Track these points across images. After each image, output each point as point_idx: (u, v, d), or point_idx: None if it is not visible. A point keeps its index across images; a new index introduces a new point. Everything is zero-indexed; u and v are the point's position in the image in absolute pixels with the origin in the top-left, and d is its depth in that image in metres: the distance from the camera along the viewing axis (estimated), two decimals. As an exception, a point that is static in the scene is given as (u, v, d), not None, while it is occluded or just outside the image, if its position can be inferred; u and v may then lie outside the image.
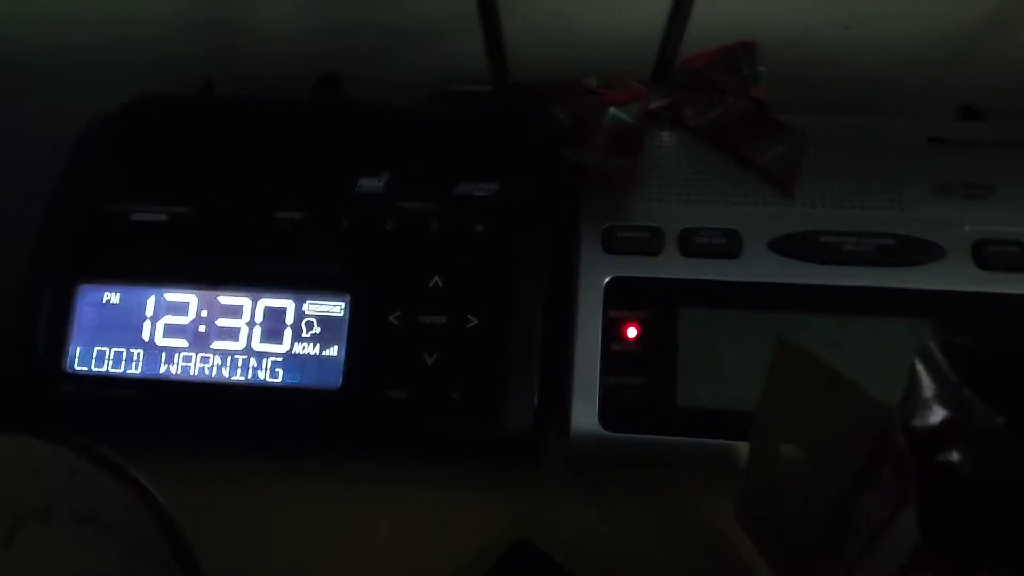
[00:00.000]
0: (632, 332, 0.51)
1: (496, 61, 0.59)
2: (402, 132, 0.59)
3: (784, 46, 0.62)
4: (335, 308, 0.53)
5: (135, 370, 0.54)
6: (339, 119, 0.60)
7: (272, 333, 0.54)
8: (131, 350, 0.54)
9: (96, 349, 0.54)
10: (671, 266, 0.52)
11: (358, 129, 0.59)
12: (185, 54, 0.69)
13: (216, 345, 0.54)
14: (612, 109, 0.56)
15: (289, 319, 0.54)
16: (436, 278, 0.53)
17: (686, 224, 0.53)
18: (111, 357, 0.54)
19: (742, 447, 0.50)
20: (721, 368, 0.51)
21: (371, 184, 0.56)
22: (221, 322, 0.54)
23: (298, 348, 0.53)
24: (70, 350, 0.54)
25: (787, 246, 0.52)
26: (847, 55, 0.66)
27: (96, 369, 0.54)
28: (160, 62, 0.68)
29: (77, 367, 0.54)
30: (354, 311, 0.53)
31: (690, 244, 0.52)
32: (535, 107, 0.59)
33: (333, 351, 0.53)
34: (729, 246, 0.52)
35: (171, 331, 0.54)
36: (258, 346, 0.53)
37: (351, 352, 0.53)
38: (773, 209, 0.53)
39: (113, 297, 0.55)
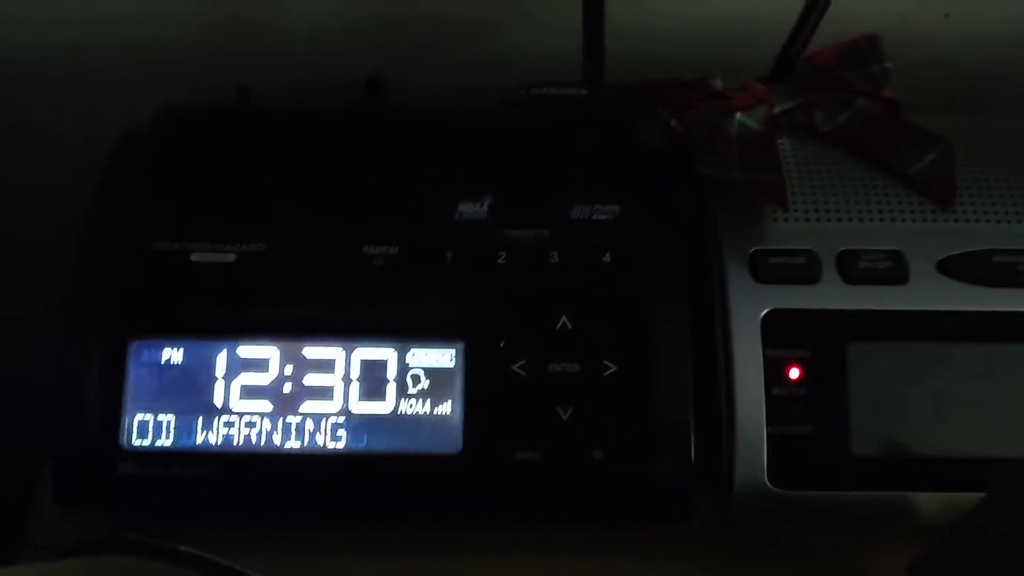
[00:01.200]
0: (795, 373, 0.45)
1: (594, 59, 0.52)
2: (495, 145, 0.51)
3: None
4: (444, 357, 0.46)
5: (208, 442, 0.45)
6: (415, 131, 0.51)
7: (372, 390, 0.45)
8: (201, 418, 0.45)
9: (157, 419, 0.45)
10: (833, 295, 0.46)
11: (442, 143, 0.51)
12: (209, 56, 0.60)
13: (305, 407, 0.45)
14: (739, 115, 0.49)
15: (391, 373, 0.45)
16: (563, 319, 0.46)
17: (843, 246, 0.47)
18: (176, 428, 0.45)
19: (923, 498, 0.45)
20: (896, 409, 0.45)
21: (472, 209, 0.48)
22: (309, 379, 0.45)
23: (404, 407, 0.45)
24: (126, 422, 0.45)
25: (958, 268, 0.46)
26: (949, 47, 0.61)
27: (159, 443, 0.45)
28: (183, 65, 0.60)
29: (136, 442, 0.45)
30: (469, 361, 0.45)
31: (852, 269, 0.46)
32: (642, 113, 0.52)
33: (447, 409, 0.45)
34: (895, 270, 0.46)
35: (249, 393, 0.45)
36: (356, 406, 0.45)
37: (469, 409, 0.45)
38: (936, 225, 0.47)
39: (174, 355, 0.46)
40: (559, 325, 0.46)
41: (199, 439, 0.45)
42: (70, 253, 0.50)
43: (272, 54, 0.61)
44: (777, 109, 0.51)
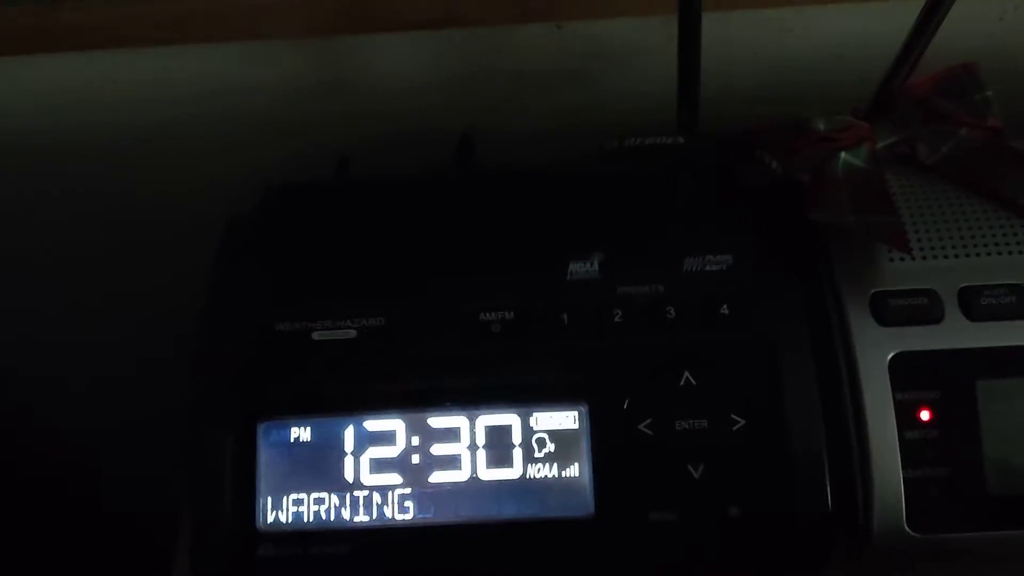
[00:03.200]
0: (926, 415, 0.44)
1: (689, 109, 0.52)
2: (597, 200, 0.51)
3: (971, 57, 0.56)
4: (568, 420, 0.46)
5: (342, 519, 0.45)
6: (517, 191, 0.52)
7: (499, 457, 0.46)
8: (334, 495, 0.46)
9: (291, 498, 0.45)
10: (958, 334, 0.45)
11: (545, 201, 0.51)
12: (300, 121, 0.61)
13: (435, 478, 0.45)
14: (843, 155, 0.49)
15: (516, 438, 0.46)
16: (686, 374, 0.46)
17: (963, 282, 0.46)
18: (311, 506, 0.45)
19: (1062, 533, 0.44)
20: (1030, 445, 0.44)
21: (583, 269, 0.48)
22: (436, 449, 0.46)
23: (532, 471, 0.45)
24: (260, 503, 0.45)
25: (1083, 297, 0.46)
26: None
27: (295, 523, 0.45)
28: (276, 132, 0.61)
29: (270, 523, 0.45)
30: (593, 422, 0.45)
31: (974, 306, 0.45)
32: (741, 159, 0.52)
33: (575, 471, 0.45)
34: (1019, 305, 0.45)
35: (378, 466, 0.46)
36: (484, 473, 0.45)
37: (598, 471, 0.45)
38: (1055, 255, 0.47)
39: (302, 433, 0.46)
40: (682, 381, 0.45)
41: (333, 516, 0.45)
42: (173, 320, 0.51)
43: (362, 115, 0.61)
44: (880, 145, 0.51)
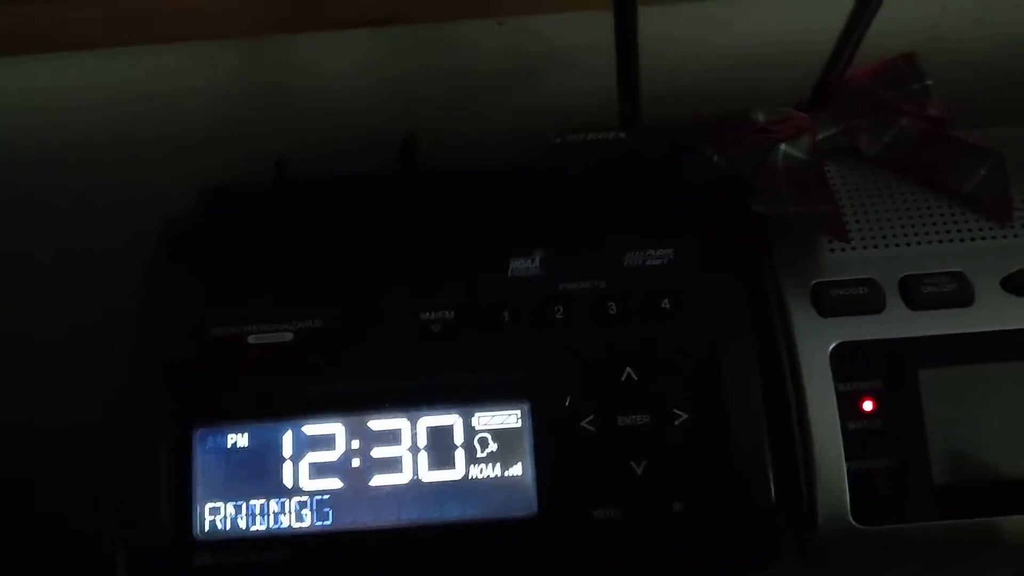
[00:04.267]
0: (868, 405, 0.44)
1: (630, 101, 0.51)
2: (538, 197, 0.50)
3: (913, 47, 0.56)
4: (511, 419, 0.45)
5: (281, 525, 0.44)
6: (456, 189, 0.51)
7: (441, 458, 0.45)
8: (273, 500, 0.45)
9: (229, 506, 0.45)
10: (900, 323, 0.45)
11: (485, 199, 0.50)
12: (237, 125, 0.60)
13: (376, 481, 0.45)
14: (783, 146, 0.49)
15: (458, 438, 0.45)
16: (628, 370, 0.45)
17: (904, 271, 0.46)
18: (249, 513, 0.44)
19: (1008, 522, 0.44)
20: (974, 434, 0.44)
21: (524, 265, 0.47)
22: (377, 452, 0.45)
23: (475, 472, 0.45)
24: (197, 511, 0.44)
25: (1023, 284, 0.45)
26: (979, 54, 0.60)
27: (233, 531, 0.44)
28: (211, 138, 0.59)
29: (208, 531, 0.44)
30: (536, 420, 0.45)
31: (915, 295, 0.45)
32: (683, 152, 0.51)
33: (517, 470, 0.45)
34: (960, 292, 0.45)
35: (318, 471, 0.45)
36: (427, 476, 0.45)
37: (541, 470, 0.44)
38: (996, 242, 0.47)
39: (239, 439, 0.45)
40: (624, 377, 0.45)
41: (272, 523, 0.44)
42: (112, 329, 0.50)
43: (302, 118, 0.61)
44: (820, 136, 0.50)
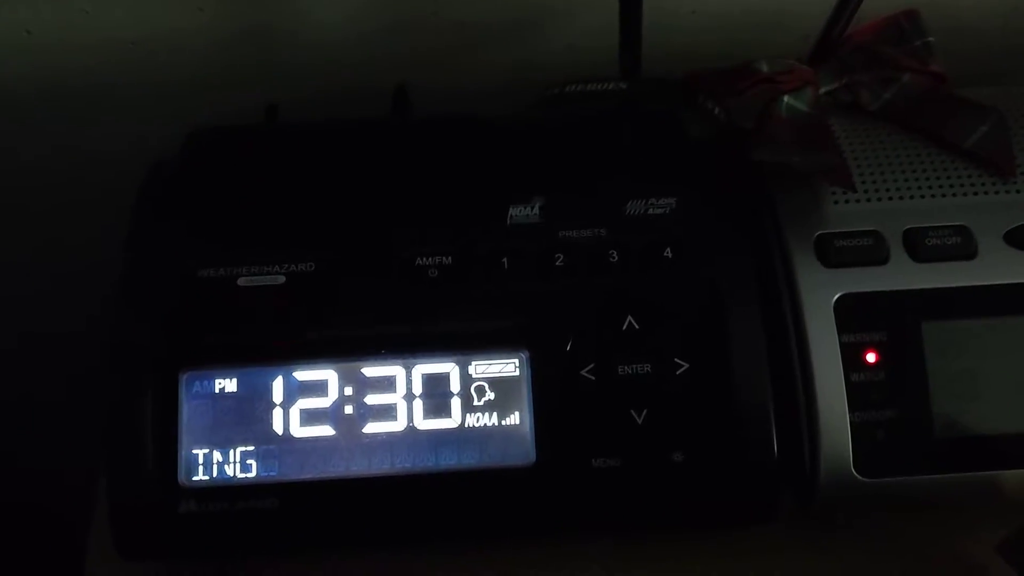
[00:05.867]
0: (871, 357, 0.44)
1: (631, 52, 0.50)
2: (538, 146, 0.49)
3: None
4: (509, 367, 0.44)
5: (270, 472, 0.43)
6: (454, 137, 0.50)
7: (436, 406, 0.44)
8: (262, 447, 0.43)
9: (215, 452, 0.43)
10: (904, 275, 0.44)
11: (484, 147, 0.49)
12: (228, 69, 0.58)
13: (369, 428, 0.43)
14: (786, 98, 0.48)
15: (454, 386, 0.44)
16: (629, 319, 0.44)
17: (908, 224, 0.45)
18: (236, 460, 0.43)
19: (1008, 476, 0.44)
20: (976, 388, 0.44)
21: (524, 213, 0.46)
22: (371, 399, 0.44)
23: (471, 420, 0.44)
24: (183, 457, 0.43)
25: (1026, 238, 0.45)
26: (976, 19, 0.60)
27: (219, 478, 0.43)
28: (200, 81, 0.58)
29: (194, 478, 0.43)
30: (535, 369, 0.44)
31: (919, 247, 0.45)
32: (684, 103, 0.50)
33: (516, 419, 0.44)
34: (964, 245, 0.45)
35: (309, 418, 0.43)
36: (422, 424, 0.44)
37: (540, 419, 0.43)
38: (998, 197, 0.46)
39: (228, 384, 0.44)
40: (625, 326, 0.44)
41: (261, 470, 0.43)
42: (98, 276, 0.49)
43: (293, 64, 0.59)
44: (822, 90, 0.50)
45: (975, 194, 0.46)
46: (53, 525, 0.64)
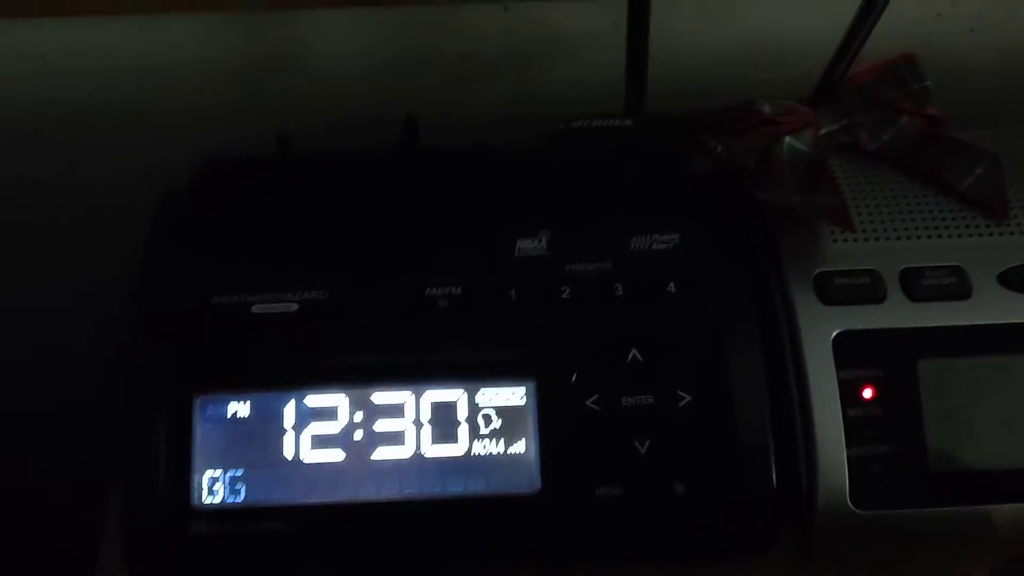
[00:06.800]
0: (868, 393, 0.45)
1: (637, 89, 0.52)
2: (545, 180, 0.50)
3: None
4: (515, 396, 0.45)
5: (281, 496, 0.44)
6: (463, 169, 0.51)
7: (444, 433, 0.45)
8: (272, 472, 0.44)
9: (228, 475, 0.44)
10: (900, 314, 0.46)
11: (492, 179, 0.50)
12: (237, 100, 0.59)
13: (378, 455, 0.44)
14: (787, 139, 0.50)
15: (462, 414, 0.45)
16: (633, 351, 0.45)
17: (905, 263, 0.47)
18: (248, 483, 0.44)
19: (1001, 511, 0.45)
20: (969, 424, 0.45)
21: (531, 246, 0.47)
22: (380, 425, 0.45)
23: (478, 448, 0.45)
24: (195, 480, 0.44)
25: (1019, 280, 0.46)
26: (972, 62, 0.62)
27: (231, 501, 0.44)
28: (209, 111, 0.59)
29: (206, 501, 0.44)
30: (541, 398, 0.45)
31: (915, 287, 0.46)
32: (687, 141, 0.52)
33: (521, 447, 0.45)
34: (959, 285, 0.46)
35: (320, 442, 0.44)
36: (429, 450, 0.45)
37: (545, 447, 0.44)
38: (992, 239, 0.48)
39: (240, 408, 0.45)
40: (630, 358, 0.45)
41: (272, 493, 0.44)
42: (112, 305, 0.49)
43: (303, 95, 0.60)
44: (822, 131, 0.51)
45: (970, 235, 0.48)
46: (63, 539, 0.65)
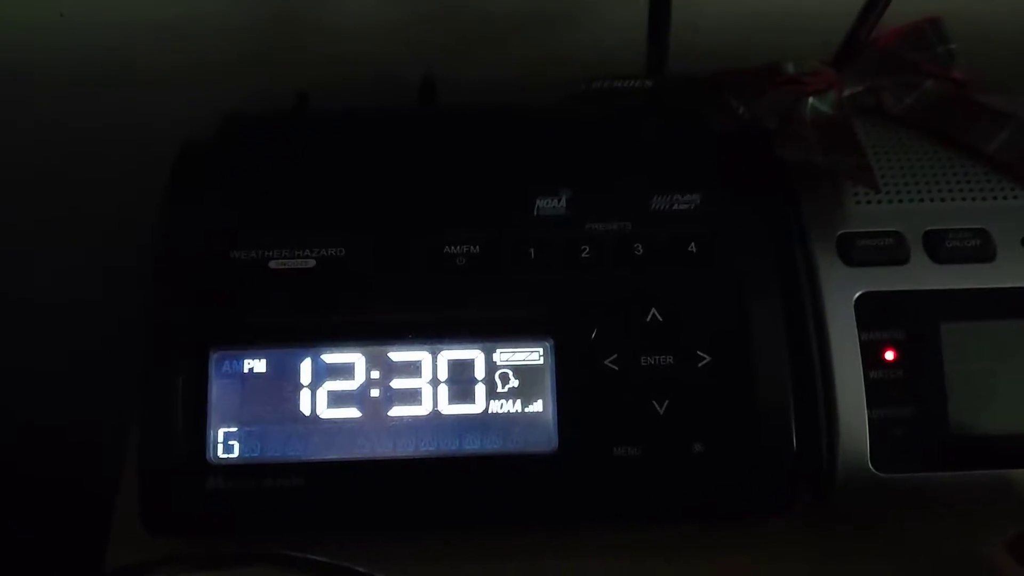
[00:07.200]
0: (890, 355, 0.44)
1: (659, 50, 0.51)
2: (566, 140, 0.50)
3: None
4: (533, 355, 0.45)
5: (296, 452, 0.44)
6: (484, 128, 0.51)
7: (461, 392, 0.44)
8: (288, 428, 0.44)
9: (244, 431, 0.44)
10: (924, 276, 0.45)
11: (513, 139, 0.50)
12: (255, 56, 0.59)
13: (395, 412, 0.44)
14: (812, 100, 0.49)
15: (479, 373, 0.45)
16: (653, 311, 0.45)
17: (928, 225, 0.46)
18: (264, 439, 0.44)
19: (1021, 475, 0.45)
20: (991, 388, 0.45)
21: (551, 205, 0.47)
22: (397, 383, 0.44)
23: (495, 407, 0.44)
24: (211, 435, 0.44)
25: (1044, 243, 0.46)
26: (998, 26, 0.61)
27: (247, 456, 0.44)
28: (226, 66, 0.58)
29: (222, 455, 0.44)
30: (559, 357, 0.45)
31: (939, 249, 0.46)
32: (708, 102, 0.51)
33: (538, 407, 0.44)
34: (983, 248, 0.46)
35: (336, 400, 0.44)
36: (446, 409, 0.44)
37: (563, 407, 0.44)
38: (1017, 202, 0.47)
39: (257, 364, 0.44)
40: (649, 318, 0.45)
41: (288, 449, 0.44)
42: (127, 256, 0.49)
43: (321, 51, 0.59)
44: (846, 93, 0.51)
45: (995, 199, 0.47)
46: (82, 499, 0.65)
